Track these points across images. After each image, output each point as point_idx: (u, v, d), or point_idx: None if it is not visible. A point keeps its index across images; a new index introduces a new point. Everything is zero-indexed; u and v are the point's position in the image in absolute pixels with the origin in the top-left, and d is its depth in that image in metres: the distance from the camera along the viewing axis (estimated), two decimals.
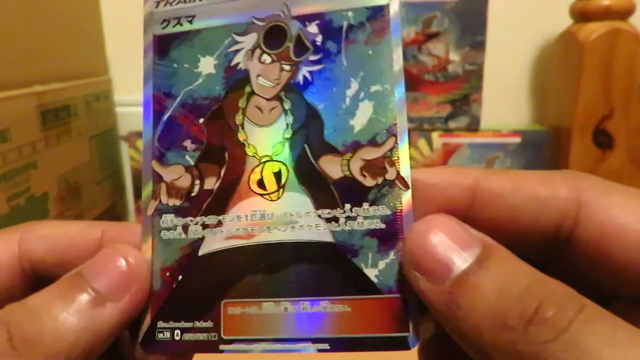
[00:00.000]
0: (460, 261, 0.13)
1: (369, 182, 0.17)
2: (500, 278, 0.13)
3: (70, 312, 0.14)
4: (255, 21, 0.18)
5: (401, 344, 0.15)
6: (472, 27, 0.57)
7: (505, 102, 0.75)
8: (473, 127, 0.60)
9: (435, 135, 0.60)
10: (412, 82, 0.59)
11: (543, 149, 0.61)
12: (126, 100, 0.71)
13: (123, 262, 0.15)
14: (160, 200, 0.17)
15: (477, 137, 0.60)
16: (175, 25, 0.19)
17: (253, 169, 0.17)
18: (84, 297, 0.14)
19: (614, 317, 0.12)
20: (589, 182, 0.15)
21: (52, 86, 0.50)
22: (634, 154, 0.62)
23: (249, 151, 0.17)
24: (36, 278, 0.16)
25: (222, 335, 0.16)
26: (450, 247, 0.14)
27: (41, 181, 0.47)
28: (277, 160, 0.17)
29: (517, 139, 0.61)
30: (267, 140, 0.17)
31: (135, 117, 0.70)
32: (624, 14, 0.59)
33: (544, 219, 0.14)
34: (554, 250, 0.15)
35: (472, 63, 0.58)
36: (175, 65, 0.19)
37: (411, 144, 0.61)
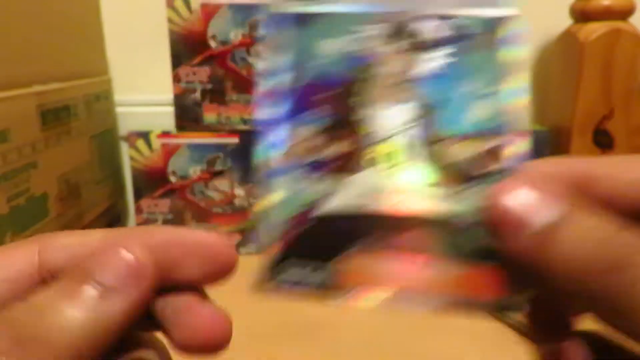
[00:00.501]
0: (549, 209, 0.14)
1: (478, 169, 0.18)
2: (587, 226, 0.14)
3: (76, 306, 0.14)
4: (386, 13, 0.19)
5: (510, 306, 0.17)
6: None
7: None
8: None
9: None
10: None
11: (543, 149, 0.61)
12: (126, 100, 0.71)
13: (127, 255, 0.15)
14: (290, 155, 0.19)
15: None
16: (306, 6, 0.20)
17: (368, 147, 0.19)
18: (89, 291, 0.14)
19: None
20: None
21: (52, 86, 0.50)
22: (634, 153, 0.62)
23: (365, 130, 0.19)
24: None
25: (337, 284, 0.18)
26: (533, 204, 0.15)
27: (41, 181, 0.47)
28: (391, 143, 0.19)
29: None
30: (385, 123, 0.19)
31: (136, 117, 0.70)
32: (624, 14, 0.59)
33: None
34: None
35: None
36: (306, 43, 0.20)
37: None
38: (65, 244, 0.17)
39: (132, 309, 0.15)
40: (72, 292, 0.14)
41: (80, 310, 0.14)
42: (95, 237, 0.17)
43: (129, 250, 0.15)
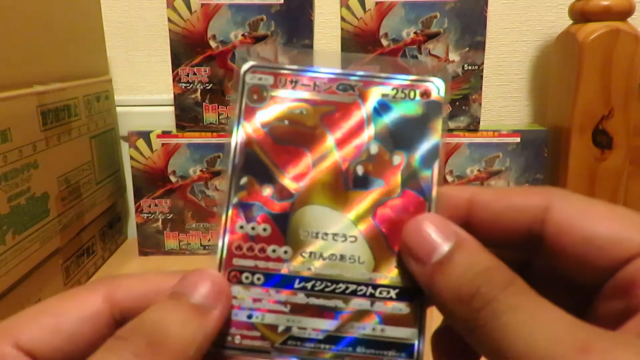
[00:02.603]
0: (440, 248, 0.18)
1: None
2: (463, 264, 0.17)
3: (186, 321, 0.17)
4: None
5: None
6: (471, 27, 0.57)
7: (505, 102, 0.75)
8: (473, 127, 0.60)
9: None
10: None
11: (542, 148, 0.61)
12: (126, 100, 0.71)
13: (211, 278, 0.18)
14: None
15: (477, 137, 0.60)
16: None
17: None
18: (191, 308, 0.17)
19: (532, 292, 0.16)
20: (558, 193, 0.18)
21: (52, 86, 0.50)
22: (633, 154, 0.62)
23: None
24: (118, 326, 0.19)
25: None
26: (433, 236, 0.18)
27: (42, 181, 0.47)
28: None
29: (516, 139, 0.61)
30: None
31: (136, 117, 0.70)
32: (623, 14, 0.59)
33: (519, 221, 0.19)
34: (533, 248, 0.19)
35: (472, 63, 0.58)
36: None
37: None
38: (132, 285, 0.19)
39: (221, 321, 0.18)
40: (178, 309, 0.17)
41: (190, 323, 0.17)
42: (158, 278, 0.19)
43: (209, 273, 0.18)
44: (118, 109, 0.68)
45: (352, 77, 0.20)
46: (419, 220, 0.18)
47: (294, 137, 0.20)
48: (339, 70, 0.20)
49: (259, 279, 0.19)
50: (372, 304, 0.19)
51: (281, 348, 0.19)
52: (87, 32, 0.60)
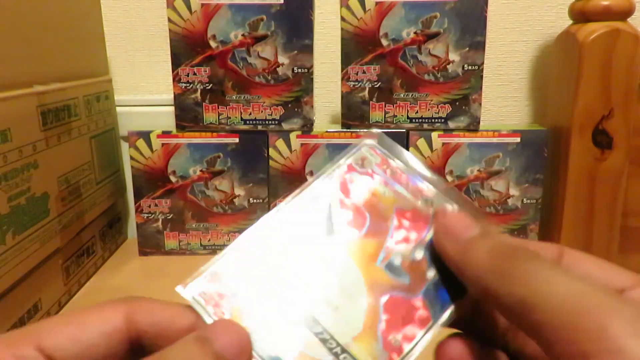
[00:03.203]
0: (473, 227, 0.21)
1: None
2: (493, 240, 0.20)
3: None
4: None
5: None
6: (471, 27, 0.57)
7: (505, 102, 0.75)
8: (473, 127, 0.60)
9: (435, 135, 0.60)
10: (413, 82, 0.59)
11: (542, 148, 0.61)
12: (126, 100, 0.71)
13: (237, 331, 0.19)
14: None
15: (477, 137, 0.60)
16: None
17: None
18: (214, 355, 0.18)
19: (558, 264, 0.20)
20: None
21: (52, 86, 0.50)
22: (633, 154, 0.62)
23: None
24: (137, 346, 0.20)
25: None
26: (466, 224, 0.21)
27: (42, 181, 0.47)
28: None
29: (516, 139, 0.61)
30: None
31: (135, 117, 0.70)
32: (623, 14, 0.59)
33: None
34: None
35: (472, 63, 0.58)
36: None
37: (411, 143, 0.61)
38: (152, 310, 0.20)
39: None
40: (204, 354, 0.18)
41: None
42: (175, 310, 0.20)
43: (239, 327, 0.19)
44: (118, 109, 0.68)
45: (435, 198, 0.24)
46: (455, 211, 0.22)
47: (366, 204, 0.23)
48: (432, 189, 0.24)
49: None
50: None
51: None
52: (87, 32, 0.60)
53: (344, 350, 0.19)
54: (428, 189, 0.24)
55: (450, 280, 0.21)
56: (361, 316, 0.20)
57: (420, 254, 0.22)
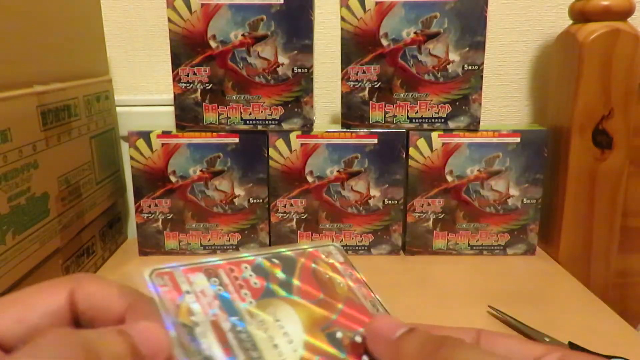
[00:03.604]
0: (401, 326, 0.22)
1: None
2: (421, 334, 0.21)
3: (120, 355, 0.18)
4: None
5: None
6: (471, 27, 0.57)
7: (505, 102, 0.75)
8: (473, 127, 0.60)
9: (435, 135, 0.60)
10: (413, 82, 0.59)
11: (542, 148, 0.61)
12: (126, 100, 0.71)
13: (162, 333, 0.19)
14: None
15: (477, 137, 0.60)
16: None
17: None
18: (130, 346, 0.18)
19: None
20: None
21: (52, 86, 0.50)
22: (633, 154, 0.62)
23: None
24: (81, 324, 0.20)
25: None
26: (394, 325, 0.22)
27: (42, 181, 0.47)
28: None
29: (516, 139, 0.61)
30: None
31: (136, 117, 0.70)
32: (623, 14, 0.59)
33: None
34: None
35: (472, 63, 0.58)
36: None
37: (411, 143, 0.61)
38: (89, 292, 0.20)
39: None
40: (118, 342, 0.18)
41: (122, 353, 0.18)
42: (113, 292, 0.21)
43: (160, 329, 0.19)
44: (118, 109, 0.68)
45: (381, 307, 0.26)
46: (383, 315, 0.24)
47: (322, 284, 0.25)
48: (379, 301, 0.26)
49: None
50: None
51: None
52: (87, 32, 0.60)
53: None
54: (377, 298, 0.25)
55: None
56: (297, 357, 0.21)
57: (359, 339, 0.23)
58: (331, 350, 0.22)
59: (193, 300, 0.21)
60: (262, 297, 0.23)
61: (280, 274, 0.24)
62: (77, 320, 0.20)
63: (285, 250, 0.26)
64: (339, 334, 0.23)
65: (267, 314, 0.22)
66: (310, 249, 0.26)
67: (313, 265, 0.26)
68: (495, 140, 0.61)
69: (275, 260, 0.25)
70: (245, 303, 0.22)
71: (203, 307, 0.21)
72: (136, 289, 0.21)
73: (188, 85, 0.59)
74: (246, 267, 0.24)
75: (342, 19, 0.57)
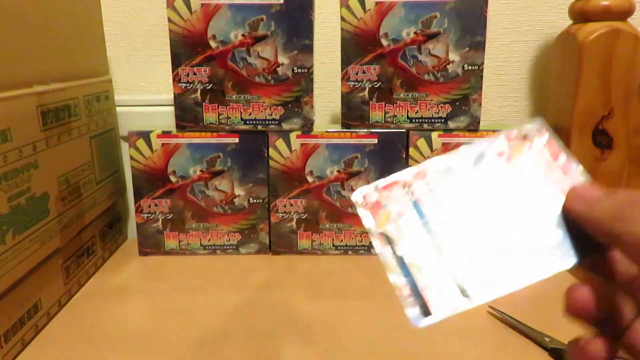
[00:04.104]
0: (597, 193, 0.24)
1: None
2: (610, 199, 0.22)
3: None
4: None
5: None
6: (471, 27, 0.57)
7: (505, 102, 0.75)
8: (473, 127, 0.60)
9: (435, 135, 0.60)
10: (413, 82, 0.59)
11: None
12: (126, 100, 0.71)
13: None
14: None
15: (477, 137, 0.60)
16: None
17: None
18: None
19: None
20: None
21: (52, 86, 0.50)
22: (633, 154, 0.62)
23: None
24: None
25: None
26: (593, 190, 0.24)
27: (42, 181, 0.47)
28: None
29: None
30: None
31: (136, 117, 0.70)
32: (623, 14, 0.59)
33: None
34: None
35: (472, 63, 0.58)
36: None
37: (411, 143, 0.61)
38: None
39: None
40: None
41: None
42: None
43: None
44: (118, 109, 0.68)
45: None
46: (582, 185, 0.25)
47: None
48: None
49: None
50: None
51: None
52: (87, 32, 0.60)
53: None
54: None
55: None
56: None
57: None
58: None
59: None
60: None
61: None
62: None
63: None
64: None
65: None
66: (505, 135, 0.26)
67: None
68: None
69: None
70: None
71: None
72: None
73: (188, 85, 0.59)
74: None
75: (342, 19, 0.57)
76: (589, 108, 0.60)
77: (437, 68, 0.59)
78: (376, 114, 0.60)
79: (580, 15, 0.61)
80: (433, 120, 0.60)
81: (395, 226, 0.24)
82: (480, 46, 0.58)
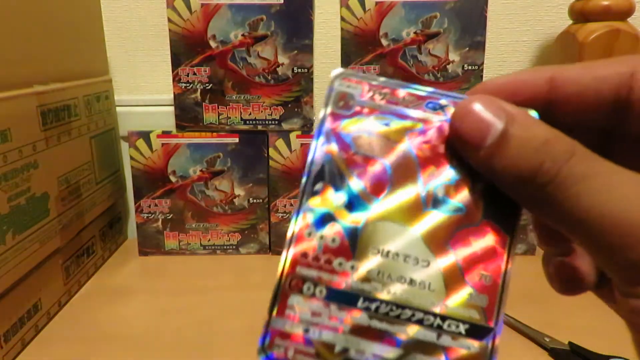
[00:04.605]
0: (493, 129, 0.17)
1: None
2: (519, 141, 0.17)
3: None
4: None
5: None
6: (471, 27, 0.57)
7: None
8: None
9: None
10: (413, 82, 0.59)
11: None
12: (126, 100, 0.71)
13: None
14: None
15: None
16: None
17: None
18: None
19: (597, 157, 0.16)
20: None
21: (52, 86, 0.50)
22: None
23: None
24: (619, 107, 0.19)
25: None
26: (484, 116, 0.17)
27: (42, 181, 0.47)
28: None
29: None
30: None
31: (136, 117, 0.70)
32: (623, 14, 0.59)
33: (606, 90, 0.18)
34: (619, 115, 0.19)
35: (472, 63, 0.58)
36: None
37: None
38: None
39: None
40: None
41: None
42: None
43: None
44: (118, 109, 0.68)
45: (443, 98, 0.20)
46: (466, 103, 0.18)
47: (376, 149, 0.19)
48: (430, 89, 0.20)
49: (321, 291, 0.18)
50: (439, 336, 0.17)
51: None
52: (87, 32, 0.60)
53: (444, 318, 0.18)
54: (428, 91, 0.20)
55: None
56: (439, 274, 0.18)
57: (456, 172, 0.19)
58: (449, 218, 0.19)
59: None
60: None
61: None
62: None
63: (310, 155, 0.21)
64: (440, 193, 0.19)
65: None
66: (327, 114, 0.20)
67: (347, 138, 0.20)
68: None
69: None
70: None
71: None
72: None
73: (188, 85, 0.59)
74: None
75: (342, 18, 0.57)
76: None
77: (437, 68, 0.59)
78: None
79: (580, 15, 0.61)
80: None
81: None
82: (480, 46, 0.58)
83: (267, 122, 0.60)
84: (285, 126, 0.60)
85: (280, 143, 0.60)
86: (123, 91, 0.74)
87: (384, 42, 0.58)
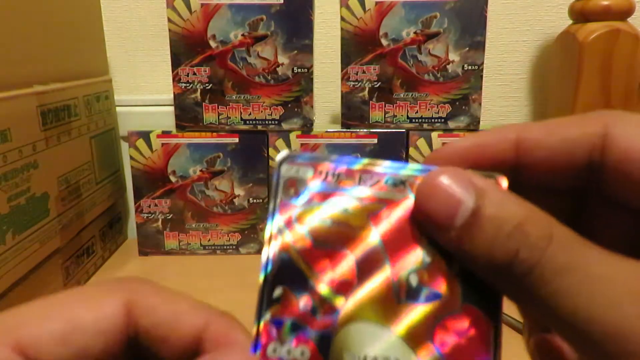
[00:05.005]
0: (462, 208, 0.15)
1: None
2: (491, 224, 0.15)
3: None
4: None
5: None
6: (471, 27, 0.57)
7: (505, 102, 0.75)
8: (473, 127, 0.60)
9: (435, 135, 0.60)
10: (412, 82, 0.59)
11: None
12: (126, 100, 0.71)
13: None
14: None
15: None
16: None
17: None
18: None
19: (578, 243, 0.15)
20: (614, 117, 0.17)
21: (52, 86, 0.50)
22: None
23: None
24: (134, 346, 0.16)
25: None
26: (453, 191, 0.16)
27: (42, 181, 0.47)
28: None
29: None
30: None
31: (136, 117, 0.70)
32: (623, 14, 0.59)
33: (577, 154, 0.17)
34: (592, 177, 0.17)
35: (472, 63, 0.58)
36: None
37: (411, 143, 0.61)
38: (155, 307, 0.16)
39: None
40: None
41: None
42: (183, 307, 0.17)
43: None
44: (118, 109, 0.68)
45: (402, 170, 0.18)
46: (431, 177, 0.16)
47: (337, 239, 0.17)
48: (386, 163, 0.18)
49: None
50: None
51: None
52: (87, 32, 0.60)
53: None
54: (385, 165, 0.18)
55: None
56: None
57: (428, 254, 0.17)
58: (428, 308, 0.17)
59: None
60: None
61: None
62: (136, 342, 0.16)
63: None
64: (414, 280, 0.17)
65: None
66: (277, 206, 0.18)
67: (302, 229, 0.18)
68: None
69: None
70: None
71: None
72: (209, 304, 0.17)
73: (188, 85, 0.59)
74: None
75: (342, 19, 0.57)
76: (589, 108, 0.60)
77: (437, 68, 0.59)
78: (376, 114, 0.60)
79: (580, 15, 0.61)
80: (433, 120, 0.60)
81: None
82: (480, 46, 0.58)
83: (267, 122, 0.60)
84: (285, 126, 0.60)
85: (280, 143, 0.60)
86: (123, 91, 0.74)
87: (384, 42, 0.58)
